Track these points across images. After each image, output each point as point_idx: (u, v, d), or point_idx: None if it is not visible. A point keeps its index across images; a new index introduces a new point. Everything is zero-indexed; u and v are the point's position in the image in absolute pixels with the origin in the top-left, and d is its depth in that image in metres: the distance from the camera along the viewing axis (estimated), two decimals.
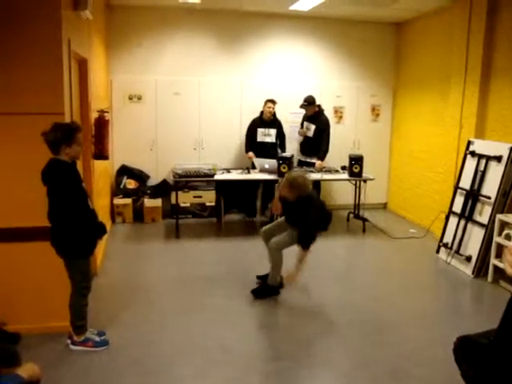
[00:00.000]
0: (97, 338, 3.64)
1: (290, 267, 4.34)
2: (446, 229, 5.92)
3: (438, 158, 6.88)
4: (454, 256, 5.68)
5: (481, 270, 5.32)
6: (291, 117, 7.69)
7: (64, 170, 3.24)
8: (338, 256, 6.02)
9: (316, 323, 4.18)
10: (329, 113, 7.68)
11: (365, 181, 6.94)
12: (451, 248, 5.71)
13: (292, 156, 6.63)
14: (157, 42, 7.45)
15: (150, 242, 6.35)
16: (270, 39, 7.83)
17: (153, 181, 7.59)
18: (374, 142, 8.28)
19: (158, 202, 7.31)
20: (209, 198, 7.42)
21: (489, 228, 5.22)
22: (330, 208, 4.99)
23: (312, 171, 6.85)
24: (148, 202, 7.26)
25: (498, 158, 5.23)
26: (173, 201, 7.01)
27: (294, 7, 7.02)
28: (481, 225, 5.34)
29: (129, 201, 7.21)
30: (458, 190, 5.79)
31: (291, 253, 4.44)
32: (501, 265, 4.98)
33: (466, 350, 2.64)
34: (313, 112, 7.15)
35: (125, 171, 7.46)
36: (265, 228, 4.84)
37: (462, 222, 5.61)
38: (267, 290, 4.63)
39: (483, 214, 5.35)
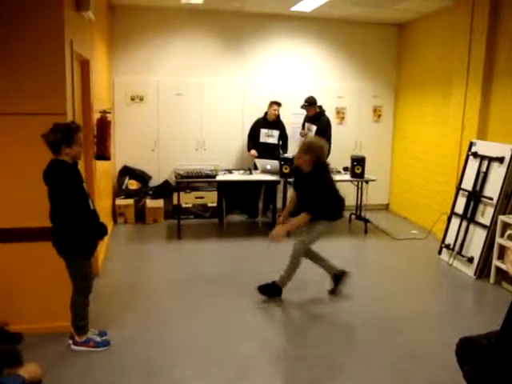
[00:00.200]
0: (98, 339, 3.64)
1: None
2: (448, 230, 5.91)
3: (440, 159, 6.87)
4: (456, 257, 5.67)
5: (483, 271, 5.30)
6: (293, 117, 7.68)
7: (64, 171, 3.24)
8: (340, 257, 5.99)
9: (317, 324, 4.18)
10: (331, 114, 7.67)
11: (367, 182, 6.93)
12: (453, 249, 5.70)
13: (294, 157, 6.62)
14: (159, 43, 7.46)
15: (152, 242, 6.36)
16: (272, 40, 7.83)
17: (155, 181, 7.60)
18: (375, 142, 8.27)
19: (159, 203, 7.31)
20: (211, 198, 7.42)
21: (491, 229, 5.20)
22: None
23: None
24: (150, 203, 7.27)
25: (500, 159, 5.22)
26: (175, 201, 7.01)
27: (296, 8, 7.03)
28: (483, 226, 5.33)
29: (131, 201, 7.22)
30: (460, 191, 5.78)
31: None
32: (503, 266, 4.97)
33: (468, 351, 2.64)
34: (314, 113, 7.15)
35: (127, 172, 7.47)
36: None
37: (464, 224, 5.60)
38: (274, 289, 4.56)
39: (485, 215, 5.34)
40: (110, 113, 5.56)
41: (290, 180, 6.62)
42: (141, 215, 7.23)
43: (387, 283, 5.19)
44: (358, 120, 8.19)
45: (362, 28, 8.02)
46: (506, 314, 2.38)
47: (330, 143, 7.15)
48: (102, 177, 5.66)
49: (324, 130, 7.08)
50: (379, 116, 8.31)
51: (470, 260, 5.39)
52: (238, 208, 7.63)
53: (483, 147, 5.57)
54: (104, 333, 3.74)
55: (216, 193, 7.31)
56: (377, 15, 7.49)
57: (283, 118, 7.39)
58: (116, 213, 7.16)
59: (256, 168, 7.03)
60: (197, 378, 3.30)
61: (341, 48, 8.06)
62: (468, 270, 5.44)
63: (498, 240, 5.06)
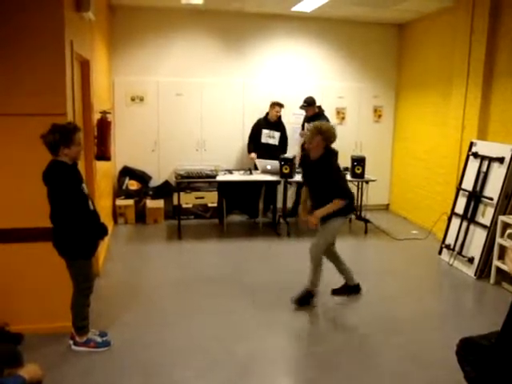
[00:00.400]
0: (99, 339, 3.64)
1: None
2: (449, 230, 5.91)
3: (441, 160, 6.87)
4: (456, 257, 5.67)
5: (483, 271, 5.30)
6: (293, 118, 7.68)
7: (63, 172, 3.23)
8: None
9: (317, 324, 4.18)
10: (331, 114, 7.68)
11: (367, 182, 6.94)
12: (453, 249, 5.70)
13: (294, 157, 6.63)
14: (159, 43, 7.45)
15: (152, 243, 6.36)
16: (273, 40, 7.83)
17: (155, 182, 7.60)
18: (376, 143, 8.27)
19: (160, 203, 7.31)
20: (211, 199, 7.42)
21: (491, 229, 5.20)
22: None
23: None
24: (150, 203, 7.27)
25: (501, 160, 5.22)
26: (175, 202, 7.01)
27: (296, 8, 7.03)
28: (483, 226, 5.33)
29: (131, 202, 7.22)
30: (461, 192, 5.78)
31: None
32: (503, 266, 4.97)
33: (469, 351, 2.65)
34: (313, 113, 7.15)
35: (127, 172, 7.47)
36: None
37: (465, 224, 5.60)
38: (306, 296, 4.47)
39: (485, 215, 5.34)
40: (110, 113, 5.56)
41: (291, 180, 6.64)
42: (141, 216, 7.23)
43: (387, 283, 5.19)
44: (359, 120, 8.19)
45: (362, 28, 8.02)
46: (506, 314, 2.38)
47: None
48: (102, 177, 5.66)
49: None
50: (379, 116, 8.31)
51: (471, 260, 5.39)
52: (239, 208, 7.63)
53: (483, 147, 5.57)
54: (104, 333, 3.74)
55: (216, 193, 7.31)
56: (377, 15, 7.49)
57: (283, 119, 7.39)
58: (116, 213, 7.16)
59: (256, 168, 7.03)
60: (198, 379, 3.30)
61: (341, 48, 8.06)
62: (468, 270, 5.44)
63: (499, 240, 5.06)
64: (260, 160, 6.96)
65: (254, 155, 7.19)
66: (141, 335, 3.85)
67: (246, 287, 4.88)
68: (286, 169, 6.43)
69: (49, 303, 3.74)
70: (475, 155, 5.62)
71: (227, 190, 7.13)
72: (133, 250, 6.08)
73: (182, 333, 3.92)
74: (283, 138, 7.38)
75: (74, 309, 3.54)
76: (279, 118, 7.29)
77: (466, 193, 5.64)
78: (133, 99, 7.40)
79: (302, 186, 4.76)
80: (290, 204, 7.62)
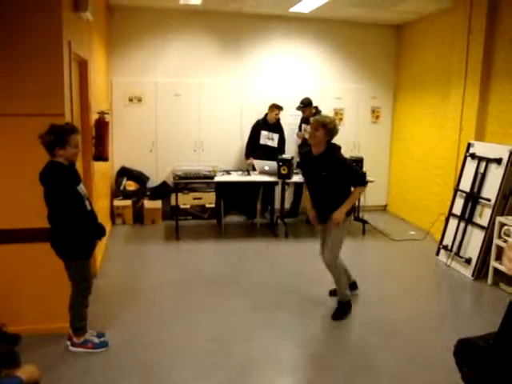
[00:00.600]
0: (96, 340, 3.64)
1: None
2: (446, 231, 5.92)
3: (438, 160, 6.88)
4: (453, 258, 5.68)
5: (481, 272, 5.31)
6: (291, 119, 7.69)
7: (58, 172, 3.22)
8: None
9: (315, 325, 4.18)
10: (329, 114, 7.67)
11: None
12: (451, 250, 5.71)
13: (292, 158, 6.63)
14: (157, 44, 7.45)
15: (150, 243, 6.35)
16: (271, 41, 7.84)
17: (153, 182, 7.60)
18: (374, 143, 8.28)
19: (157, 204, 7.31)
20: (209, 199, 7.42)
21: (489, 230, 5.21)
22: None
23: None
24: (148, 204, 7.26)
25: (498, 161, 5.23)
26: (173, 202, 7.00)
27: (294, 9, 7.03)
28: (481, 227, 5.34)
29: (129, 202, 7.21)
30: (458, 193, 5.79)
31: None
32: (501, 267, 4.98)
33: (466, 352, 2.65)
34: (309, 114, 7.14)
35: (125, 173, 7.46)
36: (322, 252, 4.45)
37: (462, 225, 5.61)
38: (343, 308, 4.37)
39: (483, 216, 5.35)
40: (108, 113, 5.56)
41: (289, 181, 6.64)
42: (139, 216, 7.22)
43: (385, 284, 5.20)
44: (357, 121, 8.20)
45: (360, 29, 8.03)
46: (503, 315, 2.39)
47: None
48: (99, 178, 5.65)
49: None
50: (377, 117, 8.32)
51: (468, 261, 5.40)
52: (236, 209, 7.63)
53: (481, 148, 5.58)
54: (102, 334, 3.73)
55: (214, 194, 7.31)
56: (375, 16, 7.50)
57: (281, 120, 7.39)
58: (114, 214, 7.15)
59: (254, 169, 7.03)
60: (196, 379, 3.29)
61: (339, 49, 8.07)
62: (466, 270, 5.44)
63: (496, 241, 5.06)
64: (258, 161, 6.96)
65: (250, 161, 7.20)
66: (139, 336, 3.85)
67: (244, 288, 4.88)
68: (283, 170, 6.43)
69: (46, 304, 3.73)
70: (473, 156, 5.63)
71: (225, 190, 7.13)
72: (130, 250, 6.07)
73: (181, 333, 3.91)
74: (281, 140, 7.38)
75: (72, 309, 3.53)
76: (278, 120, 7.29)
77: (464, 194, 5.65)
78: (131, 99, 7.40)
79: (302, 186, 4.71)
80: (287, 205, 7.62)
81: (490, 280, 5.17)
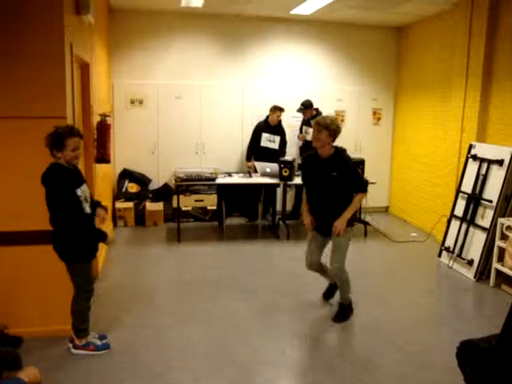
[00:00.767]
0: (98, 342, 3.64)
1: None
2: (448, 232, 5.91)
3: (440, 162, 6.88)
4: (455, 260, 5.67)
5: (483, 273, 5.31)
6: (293, 121, 7.69)
7: (57, 174, 3.22)
8: None
9: (316, 327, 4.17)
10: (329, 114, 7.68)
11: None
12: (453, 252, 5.70)
13: (294, 160, 6.63)
14: (158, 46, 7.47)
15: (152, 245, 6.35)
16: (272, 43, 7.85)
17: (154, 184, 7.61)
18: (375, 145, 8.29)
19: (159, 206, 7.31)
20: (210, 201, 7.42)
21: (490, 232, 5.21)
22: None
23: None
24: (150, 206, 7.27)
25: (500, 162, 5.23)
26: (174, 204, 7.01)
27: (295, 11, 7.05)
28: (483, 229, 5.33)
29: (130, 204, 7.22)
30: (460, 194, 5.79)
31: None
32: (503, 269, 4.97)
33: (469, 354, 2.64)
34: (310, 116, 7.15)
35: (126, 175, 7.48)
36: (311, 260, 4.31)
37: (464, 226, 5.60)
38: (345, 310, 4.36)
39: (485, 217, 5.34)
40: (109, 116, 5.57)
41: (290, 183, 6.63)
42: (141, 218, 7.23)
43: (387, 286, 5.19)
44: (358, 123, 8.20)
45: (361, 31, 8.04)
46: (506, 316, 2.38)
47: None
48: (101, 180, 5.66)
49: None
50: (379, 119, 8.32)
51: (470, 262, 5.39)
52: (238, 211, 7.63)
53: (482, 150, 5.57)
54: (104, 336, 3.73)
55: (216, 196, 7.31)
56: (376, 18, 7.51)
57: (282, 122, 7.39)
58: (116, 216, 7.16)
59: (256, 171, 7.03)
60: (197, 381, 3.29)
61: (340, 51, 8.08)
62: (468, 272, 5.44)
63: (498, 242, 5.06)
64: (259, 163, 6.96)
65: (251, 164, 7.21)
66: (141, 337, 3.85)
67: (246, 290, 4.88)
68: (285, 171, 6.43)
69: (48, 306, 3.74)
70: (474, 157, 5.63)
71: (227, 192, 7.13)
72: (132, 252, 6.07)
73: (182, 335, 3.91)
74: (283, 142, 7.38)
75: (74, 312, 3.53)
76: (279, 122, 7.30)
77: (466, 195, 5.64)
78: (132, 102, 7.41)
79: (302, 188, 4.53)
80: (289, 207, 7.62)
81: (492, 281, 5.16)
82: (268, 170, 6.76)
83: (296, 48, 7.95)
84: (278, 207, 7.35)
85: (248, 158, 7.42)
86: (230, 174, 6.92)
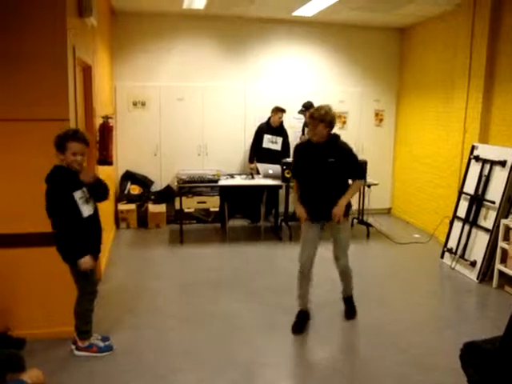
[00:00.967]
0: (101, 344, 3.64)
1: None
2: (451, 234, 5.90)
3: (442, 163, 6.87)
4: (458, 261, 5.66)
5: (485, 275, 5.29)
6: (295, 122, 7.69)
7: (55, 176, 3.23)
8: None
9: (318, 328, 4.16)
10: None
11: (369, 186, 6.93)
12: (456, 253, 5.69)
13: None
14: (160, 48, 7.48)
15: (155, 247, 6.36)
16: (274, 45, 7.85)
17: (157, 186, 7.62)
18: (377, 147, 8.28)
19: (162, 208, 7.32)
20: (213, 203, 7.42)
21: (493, 233, 5.20)
22: None
23: None
24: (152, 208, 7.28)
25: (503, 163, 5.22)
26: (177, 206, 7.01)
27: (297, 13, 7.05)
28: (485, 230, 5.32)
29: (133, 206, 7.23)
30: (463, 195, 5.78)
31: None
32: (506, 270, 4.96)
33: (473, 356, 2.64)
34: None
35: (129, 177, 7.49)
36: (306, 259, 4.07)
37: (467, 227, 5.59)
38: (353, 304, 4.39)
39: (488, 218, 5.33)
40: (112, 118, 5.58)
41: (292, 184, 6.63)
42: (143, 220, 7.24)
43: (389, 287, 5.19)
44: (360, 124, 8.20)
45: (363, 32, 8.04)
46: (509, 318, 2.38)
47: None
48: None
49: None
50: (381, 120, 8.32)
51: (473, 264, 5.38)
52: (241, 212, 7.63)
53: (485, 151, 5.57)
54: (107, 338, 3.74)
55: (218, 197, 7.32)
56: (378, 19, 7.51)
57: (285, 123, 7.39)
58: (118, 218, 7.17)
59: (258, 172, 7.04)
60: (200, 382, 3.29)
61: (342, 52, 8.08)
62: (471, 273, 5.43)
63: (501, 244, 5.05)
64: (262, 164, 6.97)
65: (253, 166, 7.21)
66: (143, 339, 3.85)
67: (249, 291, 4.88)
68: (288, 173, 6.42)
69: (51, 308, 3.74)
70: (477, 158, 5.62)
71: (229, 194, 7.13)
72: (135, 254, 6.08)
73: (185, 337, 3.92)
74: (285, 144, 7.38)
75: (77, 313, 3.54)
76: (281, 123, 7.30)
77: (468, 196, 5.63)
78: (135, 104, 7.43)
79: (293, 175, 4.29)
80: (291, 208, 7.60)
81: (495, 283, 5.15)
82: (270, 171, 6.77)
83: (298, 49, 7.95)
84: (281, 209, 7.35)
85: (250, 160, 7.43)
86: (232, 176, 6.93)
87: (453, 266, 5.72)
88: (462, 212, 5.73)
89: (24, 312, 3.72)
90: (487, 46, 5.77)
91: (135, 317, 4.26)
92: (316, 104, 7.08)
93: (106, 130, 5.18)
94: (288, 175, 6.42)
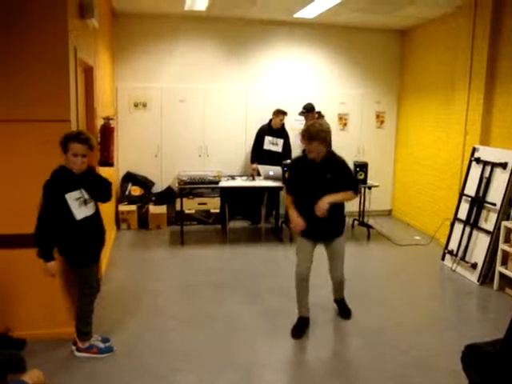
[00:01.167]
0: (101, 345, 3.64)
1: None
2: (452, 236, 5.90)
3: (443, 165, 6.87)
4: (459, 263, 5.65)
5: (486, 277, 5.29)
6: (296, 124, 7.70)
7: (52, 176, 3.25)
8: None
9: (319, 330, 4.16)
10: (333, 120, 7.70)
11: (369, 188, 6.93)
12: (456, 255, 5.69)
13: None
14: (162, 50, 7.49)
15: (155, 248, 6.36)
16: (275, 46, 7.86)
17: (158, 188, 7.62)
18: (378, 148, 8.28)
19: (162, 209, 7.33)
20: (213, 204, 7.42)
21: (494, 235, 5.19)
22: None
23: None
24: (153, 209, 7.28)
25: (503, 165, 5.22)
26: (178, 207, 7.02)
27: (298, 15, 7.06)
28: (486, 232, 5.32)
29: (134, 207, 7.23)
30: (463, 197, 5.78)
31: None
32: (507, 272, 4.96)
33: (474, 358, 2.64)
34: (312, 119, 7.12)
35: (130, 178, 7.49)
36: (303, 270, 4.03)
37: (468, 229, 5.59)
38: (346, 305, 4.46)
39: (488, 220, 5.33)
40: (113, 119, 5.59)
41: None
42: (144, 221, 7.24)
43: (390, 289, 5.18)
44: (361, 126, 8.20)
45: (364, 34, 8.04)
46: (510, 320, 2.38)
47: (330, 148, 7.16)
48: None
49: None
50: (382, 122, 8.32)
51: (474, 266, 5.38)
52: (241, 214, 7.63)
53: (486, 153, 5.57)
54: (107, 339, 3.74)
55: (219, 199, 7.31)
56: (379, 21, 7.52)
57: (286, 125, 7.40)
58: (119, 219, 7.17)
59: (259, 174, 7.04)
60: (200, 383, 3.30)
61: (343, 54, 8.09)
62: (471, 275, 5.42)
63: (502, 246, 5.05)
64: (263, 166, 6.97)
65: (255, 167, 7.21)
66: (143, 340, 3.85)
67: (249, 293, 4.88)
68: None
69: (52, 309, 3.74)
70: (478, 160, 5.62)
71: (230, 195, 7.13)
72: (135, 255, 6.08)
73: (185, 338, 3.91)
74: (286, 146, 7.38)
75: (77, 314, 3.54)
76: (282, 125, 7.30)
77: (469, 198, 5.63)
78: (136, 105, 7.44)
79: (287, 189, 4.19)
80: None
81: (495, 285, 5.15)
82: (271, 173, 6.77)
83: (299, 51, 7.96)
84: (281, 210, 7.34)
85: (252, 161, 7.42)
86: (233, 177, 6.93)
87: (453, 268, 5.71)
88: (462, 214, 5.73)
89: (24, 313, 3.72)
90: (488, 47, 5.77)
91: (136, 318, 4.25)
92: (317, 105, 7.20)
93: (107, 131, 5.19)
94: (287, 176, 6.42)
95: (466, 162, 5.91)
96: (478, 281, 5.30)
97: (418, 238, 7.13)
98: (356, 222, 7.45)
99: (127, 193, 7.38)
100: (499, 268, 5.09)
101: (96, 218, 3.50)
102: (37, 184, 3.26)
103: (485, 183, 5.44)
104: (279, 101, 7.52)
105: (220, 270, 5.57)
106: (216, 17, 7.39)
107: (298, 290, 4.11)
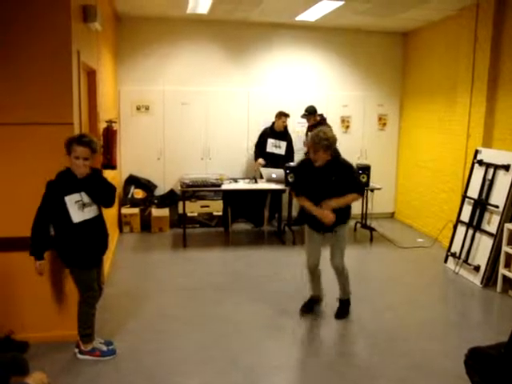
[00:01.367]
0: (104, 348, 3.64)
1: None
2: (454, 238, 5.89)
3: (446, 167, 6.86)
4: (462, 266, 5.64)
5: (489, 279, 5.27)
6: (298, 126, 7.70)
7: (57, 178, 3.27)
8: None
9: (322, 333, 4.16)
10: (335, 122, 7.69)
11: (372, 190, 6.93)
12: (459, 257, 5.68)
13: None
14: (164, 53, 7.52)
15: (158, 251, 6.37)
16: (277, 49, 7.88)
17: (160, 190, 7.63)
18: (381, 151, 8.28)
19: (165, 212, 7.33)
20: (216, 207, 7.43)
21: (497, 237, 5.18)
22: None
23: None
24: (155, 212, 7.29)
25: (506, 167, 5.21)
26: (180, 210, 7.03)
27: (300, 17, 7.07)
28: (489, 234, 5.31)
29: (136, 210, 7.24)
30: (466, 199, 5.77)
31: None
32: (510, 274, 4.94)
33: (477, 361, 2.63)
34: (314, 122, 7.13)
35: (132, 181, 7.51)
36: (313, 262, 4.38)
37: (470, 232, 5.58)
38: (346, 306, 4.51)
39: (491, 223, 5.32)
40: (115, 122, 5.60)
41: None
42: (146, 224, 7.25)
43: (393, 291, 5.17)
44: (363, 129, 8.20)
45: (366, 37, 8.05)
46: None
47: None
48: None
49: None
50: (384, 124, 8.32)
51: (477, 268, 5.36)
52: (244, 217, 7.64)
53: (489, 155, 5.56)
54: (110, 342, 3.74)
55: (221, 202, 7.32)
56: (381, 24, 7.52)
57: (288, 127, 7.39)
58: (122, 222, 7.18)
59: (261, 177, 7.04)
60: None
61: (346, 57, 8.10)
62: (474, 278, 5.41)
63: (505, 248, 5.03)
64: (265, 168, 6.97)
65: (261, 160, 7.19)
66: (146, 343, 3.85)
67: (252, 295, 4.88)
68: (291, 177, 6.43)
69: (54, 311, 3.75)
70: (480, 163, 5.61)
71: (232, 198, 7.14)
72: (138, 258, 6.09)
73: (188, 341, 3.91)
74: (289, 148, 7.38)
75: (78, 317, 3.54)
76: (285, 128, 7.30)
77: (472, 200, 5.62)
78: (138, 108, 7.45)
79: (295, 193, 4.43)
80: (295, 212, 7.60)
81: (499, 288, 5.13)
82: (274, 175, 6.77)
83: (301, 54, 7.97)
84: (284, 213, 7.35)
85: (256, 158, 7.37)
86: (235, 180, 6.93)
87: (456, 270, 5.70)
88: (465, 216, 5.72)
89: (27, 315, 3.73)
90: (490, 49, 5.78)
91: (138, 320, 4.26)
92: (319, 108, 7.20)
93: (110, 134, 5.20)
94: (291, 179, 6.42)
95: (469, 165, 5.90)
96: (481, 283, 5.28)
97: (420, 240, 7.12)
98: (359, 225, 7.44)
99: (130, 196, 7.40)
100: (502, 270, 5.08)
101: (97, 221, 3.50)
102: (39, 187, 3.27)
103: (487, 185, 5.43)
104: (282, 104, 7.52)
105: (223, 273, 5.57)
106: (218, 20, 7.41)
107: (310, 278, 4.50)
